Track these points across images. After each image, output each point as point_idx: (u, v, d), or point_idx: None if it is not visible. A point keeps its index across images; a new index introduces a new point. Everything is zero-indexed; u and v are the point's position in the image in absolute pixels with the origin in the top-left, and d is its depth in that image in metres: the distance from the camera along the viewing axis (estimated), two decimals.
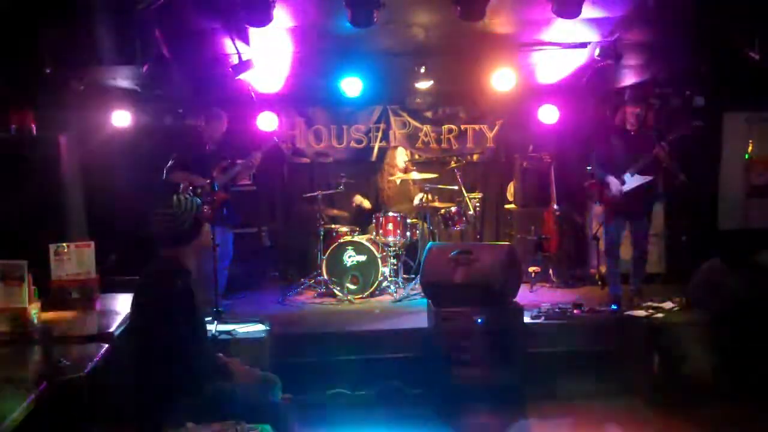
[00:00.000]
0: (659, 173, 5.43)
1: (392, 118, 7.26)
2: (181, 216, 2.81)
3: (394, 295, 6.12)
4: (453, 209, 6.38)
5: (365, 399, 4.56)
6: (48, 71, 5.04)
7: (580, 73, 6.55)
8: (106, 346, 2.86)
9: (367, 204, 6.86)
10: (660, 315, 4.86)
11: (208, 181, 5.22)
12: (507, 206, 7.21)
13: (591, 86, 6.60)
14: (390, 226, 6.17)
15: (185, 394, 2.71)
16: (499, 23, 5.60)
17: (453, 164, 6.74)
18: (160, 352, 2.67)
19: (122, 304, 3.72)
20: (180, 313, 2.69)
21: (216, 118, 5.66)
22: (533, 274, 6.45)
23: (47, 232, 4.27)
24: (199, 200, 2.95)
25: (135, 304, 2.82)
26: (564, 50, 6.20)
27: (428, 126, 7.29)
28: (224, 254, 5.71)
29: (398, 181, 6.78)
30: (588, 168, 5.73)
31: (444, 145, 7.32)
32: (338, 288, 6.04)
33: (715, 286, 5.01)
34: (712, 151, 6.87)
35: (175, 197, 2.89)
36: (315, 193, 6.41)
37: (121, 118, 6.38)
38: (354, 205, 6.81)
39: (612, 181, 5.32)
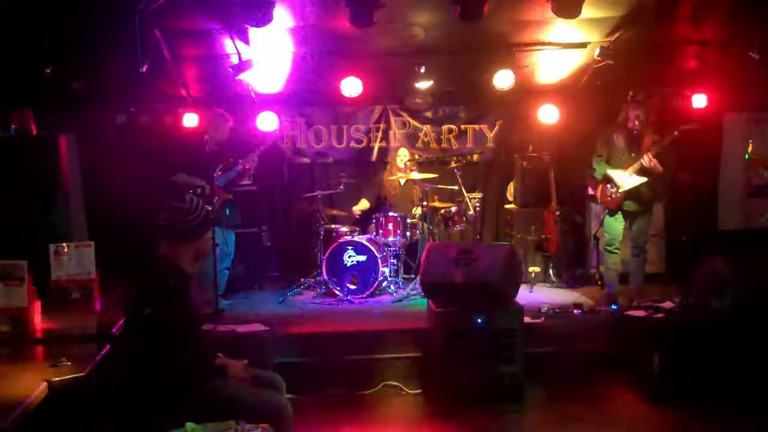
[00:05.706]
0: (659, 173, 5.42)
1: (392, 118, 7.26)
2: (190, 213, 2.86)
3: (394, 295, 6.12)
4: (453, 209, 6.38)
5: (365, 399, 4.56)
6: (48, 71, 5.04)
7: (580, 73, 6.57)
8: (107, 346, 2.86)
9: (367, 203, 6.85)
10: (660, 315, 4.86)
11: (209, 182, 5.23)
12: (507, 206, 7.21)
13: (591, 86, 6.60)
14: (390, 226, 6.16)
15: (182, 394, 2.70)
16: (499, 23, 5.61)
17: (453, 164, 6.74)
18: (154, 351, 2.67)
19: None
20: (173, 311, 2.69)
21: (221, 121, 5.65)
22: (533, 274, 6.45)
23: (47, 232, 4.26)
24: (208, 207, 3.01)
25: (129, 303, 2.81)
26: (564, 50, 6.22)
27: (428, 126, 7.29)
28: (225, 254, 5.72)
29: (401, 182, 6.78)
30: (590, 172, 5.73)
31: (444, 145, 7.32)
32: (338, 288, 6.04)
33: (716, 284, 5.00)
34: (712, 151, 6.87)
35: (188, 195, 2.96)
36: (315, 193, 6.41)
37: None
38: (356, 211, 6.77)
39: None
